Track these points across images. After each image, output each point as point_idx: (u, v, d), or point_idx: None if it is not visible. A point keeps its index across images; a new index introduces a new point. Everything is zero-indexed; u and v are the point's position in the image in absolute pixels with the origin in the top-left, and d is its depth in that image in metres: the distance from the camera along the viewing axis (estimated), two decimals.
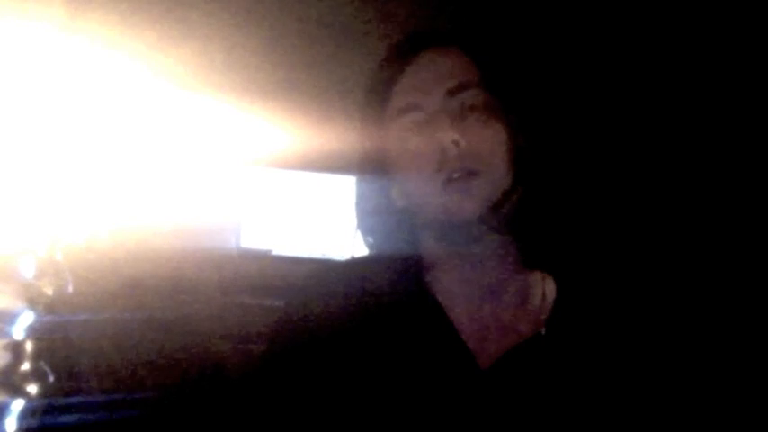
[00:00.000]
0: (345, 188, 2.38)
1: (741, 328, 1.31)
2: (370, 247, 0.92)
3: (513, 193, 0.83)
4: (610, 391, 0.80)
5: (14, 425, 1.08)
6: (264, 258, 2.36)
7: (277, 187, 2.42)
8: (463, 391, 0.79)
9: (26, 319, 1.13)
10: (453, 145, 0.80)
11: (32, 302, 1.15)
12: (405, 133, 0.85)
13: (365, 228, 0.91)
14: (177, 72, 1.46)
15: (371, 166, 0.89)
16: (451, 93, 0.84)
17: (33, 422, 1.09)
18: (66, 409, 1.16)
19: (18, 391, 1.11)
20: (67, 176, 1.21)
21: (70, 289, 1.20)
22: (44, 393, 1.13)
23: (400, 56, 0.88)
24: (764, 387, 1.26)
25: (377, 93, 0.88)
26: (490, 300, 0.84)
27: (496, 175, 0.82)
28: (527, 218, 0.84)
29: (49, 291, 1.18)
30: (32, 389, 1.13)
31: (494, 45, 0.91)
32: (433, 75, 0.85)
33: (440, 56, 0.86)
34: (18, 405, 1.09)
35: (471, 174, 0.81)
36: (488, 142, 0.83)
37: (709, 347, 1.19)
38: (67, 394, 1.19)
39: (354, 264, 0.94)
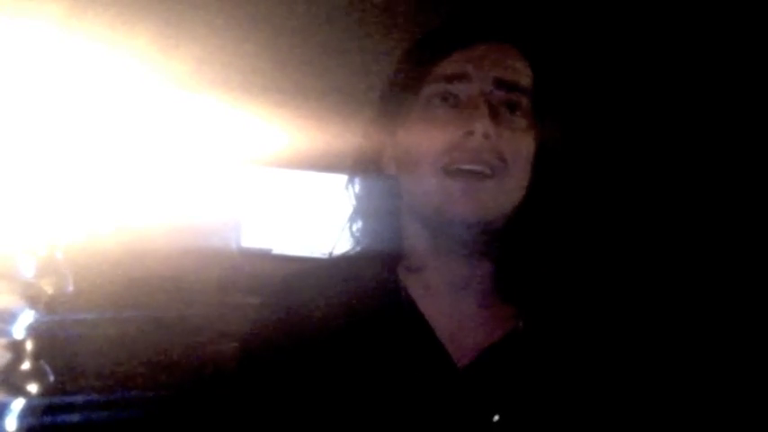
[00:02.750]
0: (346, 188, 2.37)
1: (714, 335, 1.34)
2: (354, 236, 0.90)
3: (511, 213, 0.80)
4: (588, 388, 0.80)
5: (15, 424, 1.08)
6: (265, 257, 2.36)
7: (277, 186, 2.42)
8: (440, 390, 0.78)
9: (26, 318, 1.13)
10: (482, 137, 0.77)
11: (32, 302, 1.15)
12: (436, 99, 0.81)
13: (355, 212, 0.90)
14: (177, 71, 1.46)
15: (378, 130, 0.86)
16: (501, 84, 0.80)
17: (33, 421, 1.09)
18: (67, 408, 1.16)
19: (18, 390, 1.11)
20: (67, 176, 1.21)
21: (70, 288, 1.20)
22: (44, 392, 1.13)
23: (460, 36, 0.83)
24: (739, 390, 1.28)
25: (424, 53, 0.84)
26: (466, 298, 0.84)
27: (508, 185, 0.80)
28: (511, 248, 0.82)
29: (50, 290, 1.18)
30: (33, 388, 1.13)
31: (556, 62, 0.88)
32: (491, 59, 0.81)
33: (500, 50, 0.83)
34: (18, 404, 1.10)
35: (484, 175, 0.78)
36: (514, 151, 0.80)
37: (688, 350, 1.20)
38: (68, 393, 1.19)
39: (329, 265, 0.92)
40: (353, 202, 0.90)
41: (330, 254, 0.92)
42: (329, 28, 1.51)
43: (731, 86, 1.39)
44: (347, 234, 0.90)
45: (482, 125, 0.77)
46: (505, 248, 0.83)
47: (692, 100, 1.41)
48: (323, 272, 0.90)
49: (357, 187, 0.90)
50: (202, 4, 1.42)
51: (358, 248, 0.90)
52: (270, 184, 2.39)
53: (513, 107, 0.80)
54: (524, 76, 0.82)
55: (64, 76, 1.19)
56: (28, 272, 1.16)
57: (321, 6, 1.46)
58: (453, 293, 0.84)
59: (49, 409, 1.13)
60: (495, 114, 0.78)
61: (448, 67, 0.81)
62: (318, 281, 0.88)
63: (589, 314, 0.84)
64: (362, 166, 0.89)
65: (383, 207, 0.87)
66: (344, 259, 0.91)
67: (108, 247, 1.48)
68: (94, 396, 1.30)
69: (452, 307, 0.83)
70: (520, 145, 0.80)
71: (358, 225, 0.90)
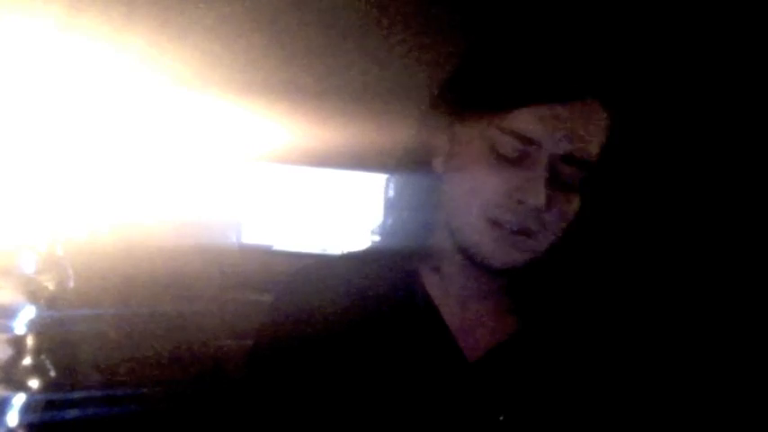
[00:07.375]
0: (345, 184, 2.38)
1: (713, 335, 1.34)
2: (386, 227, 0.90)
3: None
4: (595, 386, 0.81)
5: (16, 419, 1.09)
6: (265, 254, 2.37)
7: (278, 183, 2.42)
8: (451, 383, 0.80)
9: (27, 313, 1.14)
10: (534, 210, 0.77)
11: (34, 297, 1.15)
12: (503, 148, 0.78)
13: (392, 203, 0.89)
14: (178, 70, 1.46)
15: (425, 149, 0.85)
16: (570, 160, 0.78)
17: (35, 417, 1.10)
18: (68, 403, 1.17)
19: (19, 385, 1.11)
20: (68, 173, 1.22)
21: (71, 284, 1.20)
22: (45, 388, 1.13)
23: (542, 90, 0.78)
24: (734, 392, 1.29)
25: (498, 92, 0.79)
26: (482, 302, 0.85)
27: (543, 244, 0.79)
28: (531, 273, 0.82)
29: (51, 286, 1.18)
30: (34, 383, 1.13)
31: (634, 125, 0.85)
32: (567, 127, 0.77)
33: (580, 112, 0.78)
34: (19, 399, 1.10)
35: (528, 233, 0.78)
36: (557, 221, 0.79)
37: (689, 351, 1.21)
38: (69, 389, 1.20)
39: (347, 258, 0.93)
40: (392, 192, 0.89)
41: (373, 240, 0.91)
42: (330, 28, 1.51)
43: None
44: (379, 225, 0.90)
45: (537, 201, 0.76)
46: (526, 272, 0.84)
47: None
48: (340, 265, 0.91)
49: (397, 179, 0.89)
50: (203, 3, 1.42)
51: (384, 242, 0.90)
52: (270, 181, 2.39)
53: (571, 180, 0.79)
54: (595, 145, 0.79)
55: (65, 73, 1.20)
56: (29, 268, 1.17)
57: (323, 7, 1.46)
58: (470, 297, 0.86)
59: (51, 405, 1.14)
60: (552, 184, 0.77)
61: (523, 123, 0.77)
62: (334, 273, 0.88)
63: (594, 322, 0.85)
64: (412, 156, 0.88)
65: (421, 203, 0.87)
66: (365, 253, 0.92)
67: (109, 244, 1.48)
68: (95, 391, 1.31)
69: (467, 307, 0.85)
70: (565, 216, 0.80)
71: (393, 216, 0.89)
